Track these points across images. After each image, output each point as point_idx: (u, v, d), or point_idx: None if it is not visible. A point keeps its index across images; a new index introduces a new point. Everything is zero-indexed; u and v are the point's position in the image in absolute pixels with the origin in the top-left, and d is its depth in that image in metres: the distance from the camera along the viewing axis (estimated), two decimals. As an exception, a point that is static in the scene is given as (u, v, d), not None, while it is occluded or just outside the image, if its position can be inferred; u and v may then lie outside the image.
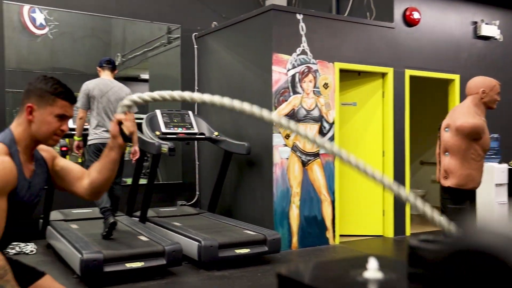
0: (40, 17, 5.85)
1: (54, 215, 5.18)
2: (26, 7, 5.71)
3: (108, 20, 6.29)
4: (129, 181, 5.64)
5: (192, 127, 5.69)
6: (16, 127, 1.82)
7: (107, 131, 4.58)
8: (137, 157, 4.89)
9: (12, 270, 1.91)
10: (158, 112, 5.59)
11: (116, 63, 6.78)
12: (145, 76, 6.86)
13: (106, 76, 4.81)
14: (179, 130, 5.59)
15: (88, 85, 4.67)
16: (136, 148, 4.87)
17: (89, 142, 4.65)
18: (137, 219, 5.35)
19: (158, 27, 6.61)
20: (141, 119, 5.67)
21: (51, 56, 6.06)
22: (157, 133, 5.31)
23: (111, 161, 1.88)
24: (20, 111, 1.84)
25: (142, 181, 5.54)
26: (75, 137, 4.70)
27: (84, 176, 2.03)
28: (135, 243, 4.30)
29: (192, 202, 6.53)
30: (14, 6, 5.62)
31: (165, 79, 7.05)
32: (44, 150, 2.00)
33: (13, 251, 4.87)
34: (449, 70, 6.45)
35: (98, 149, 4.56)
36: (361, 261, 0.90)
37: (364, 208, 5.96)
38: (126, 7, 6.24)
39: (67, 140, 5.00)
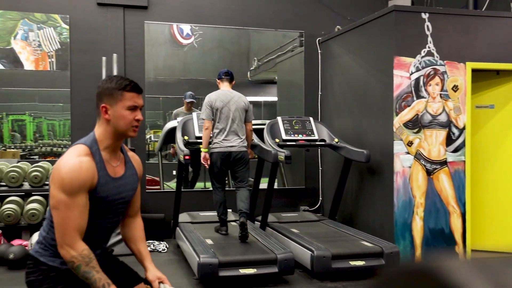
0: (187, 28, 6.37)
1: (183, 217, 5.59)
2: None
3: (235, 31, 6.59)
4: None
5: (313, 134, 5.70)
6: (97, 128, 2.01)
7: (227, 140, 4.81)
8: (251, 156, 5.06)
9: (116, 269, 2.12)
10: (279, 119, 5.70)
11: (252, 67, 7.22)
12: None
13: (225, 87, 5.03)
14: (300, 137, 5.63)
15: (210, 97, 4.92)
16: (249, 150, 5.03)
17: (210, 151, 4.91)
18: (259, 223, 5.53)
19: (282, 35, 6.73)
20: (263, 124, 5.85)
21: (188, 65, 6.63)
22: (277, 140, 5.42)
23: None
24: (97, 113, 2.02)
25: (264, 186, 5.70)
26: (202, 149, 4.88)
27: (133, 215, 2.20)
28: (250, 249, 4.45)
29: (315, 207, 6.54)
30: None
31: (291, 85, 7.15)
32: (135, 161, 2.17)
33: (148, 248, 5.37)
34: None
35: (219, 157, 4.80)
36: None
37: (501, 222, 5.38)
38: (252, 18, 6.47)
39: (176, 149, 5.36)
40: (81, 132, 5.67)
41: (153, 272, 2.12)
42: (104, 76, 5.59)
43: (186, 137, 5.23)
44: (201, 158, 4.89)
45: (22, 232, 5.16)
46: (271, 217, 5.74)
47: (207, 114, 4.85)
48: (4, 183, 5.23)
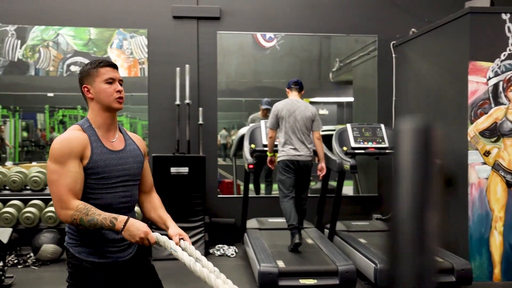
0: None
1: (252, 222, 5.70)
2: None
3: (307, 38, 6.61)
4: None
5: (383, 141, 5.54)
6: (88, 112, 2.14)
7: (294, 148, 4.84)
8: (323, 173, 5.02)
9: (144, 274, 2.21)
10: (348, 126, 5.61)
11: (334, 69, 7.22)
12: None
13: (293, 96, 5.05)
14: (369, 144, 5.51)
15: (277, 106, 4.97)
16: (323, 164, 5.00)
17: (278, 159, 4.97)
18: (328, 231, 5.49)
19: (354, 40, 6.62)
20: (332, 130, 5.80)
21: (269, 68, 6.82)
22: (345, 148, 5.34)
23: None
24: (84, 98, 2.15)
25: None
26: (268, 153, 5.08)
27: (147, 192, 2.28)
28: (312, 259, 4.44)
29: (388, 216, 6.32)
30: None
31: (366, 89, 7.00)
32: (137, 139, 2.28)
33: (218, 252, 5.55)
34: None
35: (286, 165, 4.84)
36: None
37: None
38: (324, 24, 6.43)
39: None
40: (157, 138, 6.07)
41: (173, 229, 2.17)
42: (178, 86, 5.86)
43: (253, 145, 5.33)
44: (267, 162, 5.04)
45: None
46: (340, 226, 5.68)
47: (271, 123, 4.92)
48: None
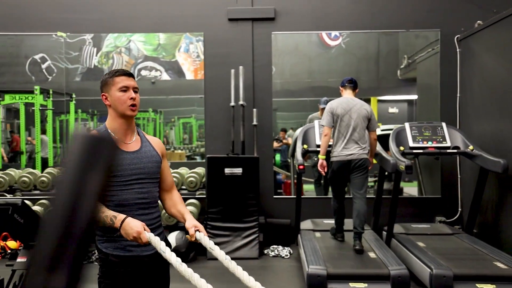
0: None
1: (306, 223, 5.64)
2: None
3: (370, 35, 6.45)
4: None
5: (444, 141, 5.28)
6: (107, 117, 2.28)
7: (346, 148, 4.72)
8: (370, 167, 4.86)
9: (163, 269, 2.35)
10: (407, 125, 5.40)
11: (402, 66, 7.00)
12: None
13: (347, 95, 4.93)
14: (429, 144, 5.27)
15: (332, 104, 4.87)
16: (371, 159, 4.85)
17: (331, 160, 4.87)
18: (385, 233, 5.32)
19: (415, 35, 6.35)
20: (390, 129, 5.61)
21: (333, 67, 6.76)
22: (401, 148, 5.15)
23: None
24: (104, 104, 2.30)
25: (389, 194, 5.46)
26: (320, 156, 4.91)
27: (168, 190, 2.39)
28: (363, 262, 4.31)
29: (453, 219, 6.02)
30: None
31: (430, 86, 6.70)
32: (154, 141, 2.39)
33: (272, 253, 5.55)
34: None
35: (338, 166, 4.74)
36: None
37: None
38: (382, 20, 6.23)
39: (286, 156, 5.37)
40: (214, 139, 6.18)
41: (190, 221, 2.29)
42: (233, 88, 5.92)
43: (305, 146, 5.27)
44: (318, 165, 4.89)
45: (162, 231, 5.73)
46: (399, 228, 5.47)
47: (327, 121, 4.82)
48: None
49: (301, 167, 4.82)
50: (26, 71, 6.70)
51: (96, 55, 6.52)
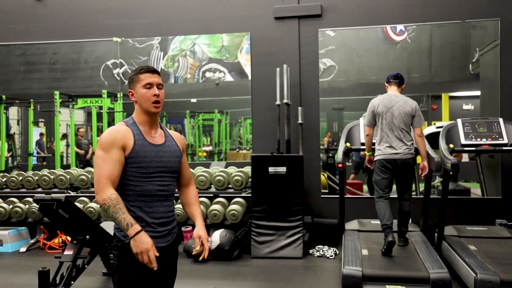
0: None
1: (352, 224, 5.50)
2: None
3: (426, 28, 6.18)
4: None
5: (501, 137, 4.94)
6: (134, 112, 2.36)
7: (390, 146, 4.56)
8: (425, 173, 4.67)
9: (174, 261, 2.41)
10: (459, 121, 5.11)
11: (474, 59, 6.62)
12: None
13: (392, 91, 4.76)
14: (483, 141, 4.95)
15: (374, 102, 4.72)
16: (425, 163, 4.65)
17: (374, 158, 4.73)
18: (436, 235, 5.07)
19: (472, 26, 5.99)
20: (441, 127, 5.34)
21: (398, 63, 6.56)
22: (451, 146, 4.87)
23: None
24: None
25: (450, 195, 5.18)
26: (366, 152, 4.86)
27: (185, 185, 2.47)
28: (404, 264, 4.13)
29: (513, 222, 5.61)
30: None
31: (493, 81, 6.28)
32: (176, 136, 2.46)
33: (317, 253, 5.46)
34: None
35: (382, 165, 4.59)
36: None
37: None
38: (434, 11, 5.95)
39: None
40: (260, 138, 6.19)
41: (196, 231, 2.39)
42: (278, 87, 5.91)
43: (348, 144, 5.14)
44: (366, 161, 4.87)
45: (209, 230, 5.81)
46: (451, 230, 5.19)
47: (368, 120, 4.70)
48: (196, 186, 6.01)
49: (340, 165, 4.72)
50: (97, 76, 7.10)
51: (163, 59, 6.77)
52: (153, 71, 2.34)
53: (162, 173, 2.30)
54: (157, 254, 2.13)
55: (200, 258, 2.39)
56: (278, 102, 5.90)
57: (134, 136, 2.26)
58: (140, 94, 2.30)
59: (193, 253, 2.38)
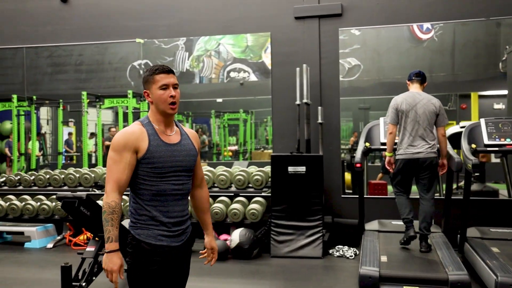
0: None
1: (372, 224, 5.45)
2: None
3: (453, 26, 6.09)
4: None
5: (526, 137, 4.82)
6: (149, 111, 2.36)
7: (412, 145, 4.51)
8: (444, 171, 4.61)
9: (188, 260, 2.43)
10: (482, 121, 5.01)
11: (504, 57, 6.47)
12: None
13: (414, 89, 4.70)
14: (507, 141, 4.84)
15: (397, 100, 4.67)
16: (444, 161, 4.58)
17: (396, 157, 4.67)
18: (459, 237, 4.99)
19: (496, 23, 5.86)
20: (463, 127, 5.24)
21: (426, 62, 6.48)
22: (473, 146, 4.78)
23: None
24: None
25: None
26: (386, 153, 4.76)
27: (198, 185, 2.50)
28: (421, 265, 4.09)
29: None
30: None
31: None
32: (191, 134, 2.44)
33: (337, 253, 5.44)
34: None
35: (404, 164, 4.54)
36: None
37: None
38: (457, 9, 5.86)
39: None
40: (280, 137, 6.20)
41: (207, 241, 2.50)
42: (298, 86, 5.91)
43: (367, 144, 5.10)
44: (385, 163, 4.76)
45: (230, 228, 5.86)
46: (475, 232, 5.10)
47: (391, 118, 4.64)
48: (216, 185, 6.07)
49: (358, 165, 4.69)
50: (121, 77, 7.26)
51: (188, 59, 6.87)
52: (168, 71, 2.32)
53: (177, 172, 2.30)
54: (122, 278, 2.20)
55: (205, 263, 2.49)
56: (298, 102, 5.90)
57: (149, 136, 2.25)
58: (157, 96, 2.28)
59: (200, 257, 2.50)
